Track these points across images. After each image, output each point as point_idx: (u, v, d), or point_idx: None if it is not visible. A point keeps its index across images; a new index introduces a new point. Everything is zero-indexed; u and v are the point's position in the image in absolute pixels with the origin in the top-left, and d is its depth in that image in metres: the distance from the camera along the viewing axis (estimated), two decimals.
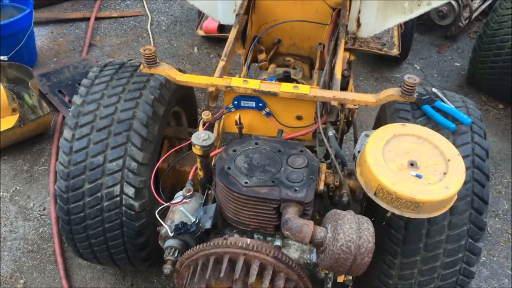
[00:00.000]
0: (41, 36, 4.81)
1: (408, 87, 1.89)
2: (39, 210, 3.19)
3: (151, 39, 4.83)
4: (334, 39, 2.49)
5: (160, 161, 2.12)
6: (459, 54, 4.84)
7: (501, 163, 3.65)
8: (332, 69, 2.28)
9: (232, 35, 2.41)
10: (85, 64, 4.37)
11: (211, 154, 1.98)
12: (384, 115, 2.32)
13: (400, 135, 1.80)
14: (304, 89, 2.01)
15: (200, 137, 1.96)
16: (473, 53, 4.11)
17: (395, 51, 3.18)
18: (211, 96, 2.12)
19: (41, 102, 3.57)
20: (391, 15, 2.82)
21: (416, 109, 2.18)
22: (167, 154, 2.21)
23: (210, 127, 2.19)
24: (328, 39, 2.57)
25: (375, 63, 4.52)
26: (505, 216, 3.21)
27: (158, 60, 2.06)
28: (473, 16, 4.93)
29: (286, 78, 2.41)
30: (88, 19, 5.02)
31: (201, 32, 3.35)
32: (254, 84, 2.03)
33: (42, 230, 3.05)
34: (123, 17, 5.13)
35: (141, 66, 2.06)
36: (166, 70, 2.07)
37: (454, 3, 4.73)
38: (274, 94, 2.02)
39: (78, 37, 4.84)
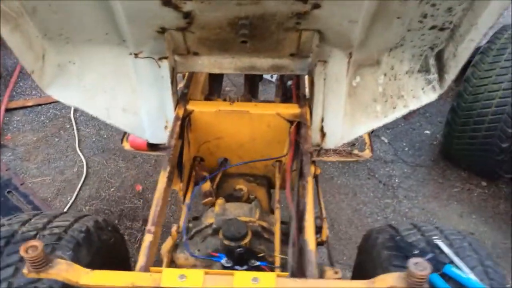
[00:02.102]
0: None
1: (416, 280, 1.35)
2: None
3: (75, 131, 4.17)
4: (298, 177, 1.94)
5: None
6: (428, 120, 4.46)
7: (499, 261, 3.19)
8: (300, 228, 1.73)
9: (161, 184, 1.82)
10: None
11: None
12: (370, 266, 1.80)
13: None
14: (267, 281, 1.43)
15: None
16: (447, 127, 3.71)
17: (367, 153, 2.69)
18: None
19: None
20: (361, 120, 2.33)
21: None
22: None
23: None
24: (289, 170, 2.02)
25: None
26: None
27: (49, 259, 1.44)
28: None
29: (241, 256, 1.82)
30: None
31: (127, 146, 2.73)
32: (195, 282, 1.44)
33: None
34: (40, 105, 4.45)
35: (25, 271, 1.43)
36: (63, 273, 1.44)
37: None
38: None
39: None
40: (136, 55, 2.13)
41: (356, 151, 2.70)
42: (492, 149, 3.46)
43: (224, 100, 2.44)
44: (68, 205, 3.47)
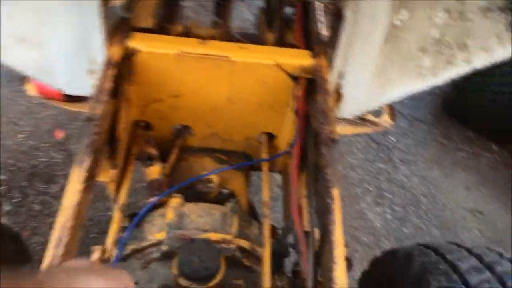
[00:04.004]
0: None
1: None
2: None
3: None
4: (311, 178, 1.20)
5: None
6: None
7: None
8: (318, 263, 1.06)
9: (71, 194, 1.01)
10: None
11: None
12: None
13: None
14: None
15: None
16: (464, 77, 3.02)
17: (386, 120, 1.96)
18: None
19: None
20: (398, 79, 1.59)
21: None
22: None
23: None
24: (296, 168, 1.27)
25: None
26: None
27: None
28: None
29: None
30: None
31: (32, 92, 1.85)
32: None
33: None
34: None
35: None
36: None
37: None
38: None
39: None
40: None
41: (370, 117, 1.96)
42: None
43: (187, 33, 1.58)
44: None
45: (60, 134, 2.80)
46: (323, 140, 1.20)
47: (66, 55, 1.44)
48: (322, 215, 1.10)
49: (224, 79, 1.41)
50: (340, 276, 0.99)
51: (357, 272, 2.30)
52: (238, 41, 1.49)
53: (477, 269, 1.28)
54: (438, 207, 2.81)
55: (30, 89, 1.84)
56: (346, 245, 1.24)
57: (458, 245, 1.44)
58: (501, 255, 1.39)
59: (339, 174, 1.47)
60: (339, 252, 1.02)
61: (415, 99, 3.44)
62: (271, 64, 1.37)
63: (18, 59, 1.46)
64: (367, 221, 2.68)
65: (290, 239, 1.46)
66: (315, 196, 1.21)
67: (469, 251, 1.38)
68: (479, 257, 1.34)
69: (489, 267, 1.31)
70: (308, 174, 1.27)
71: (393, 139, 3.16)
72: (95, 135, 1.13)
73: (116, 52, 1.31)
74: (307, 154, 1.32)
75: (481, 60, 1.53)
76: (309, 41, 1.52)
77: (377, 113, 2.00)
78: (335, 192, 1.11)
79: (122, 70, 1.35)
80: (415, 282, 1.32)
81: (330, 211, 1.07)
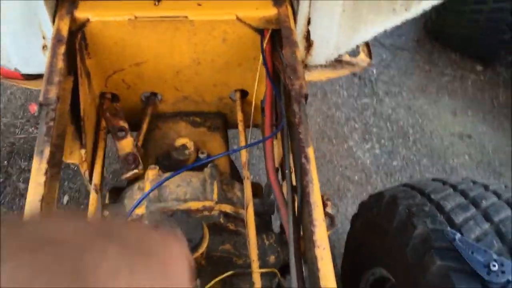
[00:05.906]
0: None
1: None
2: None
3: None
4: (286, 139, 1.16)
5: None
6: None
7: (503, 170, 2.69)
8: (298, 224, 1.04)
9: (34, 188, 0.98)
10: None
11: None
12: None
13: None
14: None
15: None
16: None
17: (363, 58, 1.89)
18: None
19: None
20: (369, 18, 1.52)
21: None
22: None
23: None
24: (268, 125, 1.22)
25: None
26: None
27: None
28: None
29: None
30: None
31: None
32: None
33: None
34: None
35: None
36: None
37: None
38: None
39: None
40: None
41: (347, 58, 1.89)
42: (499, 27, 2.79)
43: None
44: None
45: (34, 108, 2.72)
46: (294, 96, 1.15)
47: (14, 33, 1.35)
48: (299, 175, 1.07)
49: (185, 40, 1.34)
50: (321, 238, 0.97)
51: (350, 212, 2.32)
52: None
53: (462, 207, 1.27)
54: (426, 136, 2.80)
55: None
56: (328, 199, 1.22)
57: (444, 182, 1.43)
58: (486, 187, 1.38)
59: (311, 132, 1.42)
60: (317, 213, 0.99)
61: (395, 27, 3.34)
62: (232, 19, 1.29)
63: None
64: (357, 158, 2.67)
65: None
66: (291, 154, 1.17)
67: (454, 187, 1.37)
68: (464, 193, 1.33)
69: (474, 203, 1.30)
70: (282, 132, 1.23)
71: (375, 71, 3.10)
72: (52, 121, 1.07)
73: (64, 25, 1.23)
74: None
75: None
76: None
77: (354, 52, 1.93)
78: (310, 151, 1.07)
79: (75, 43, 1.27)
80: (401, 226, 1.31)
81: (306, 172, 1.04)
